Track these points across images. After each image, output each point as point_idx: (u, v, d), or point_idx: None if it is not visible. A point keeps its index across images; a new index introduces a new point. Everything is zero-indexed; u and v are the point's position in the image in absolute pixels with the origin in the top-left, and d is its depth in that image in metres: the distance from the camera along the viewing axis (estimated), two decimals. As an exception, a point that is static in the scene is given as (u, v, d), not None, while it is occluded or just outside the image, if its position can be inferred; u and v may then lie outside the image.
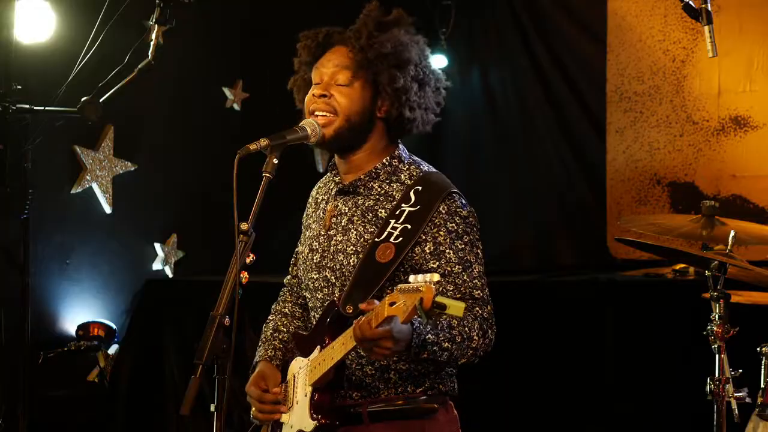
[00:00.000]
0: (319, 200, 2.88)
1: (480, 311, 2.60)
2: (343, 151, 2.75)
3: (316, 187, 2.95)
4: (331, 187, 2.84)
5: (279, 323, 2.92)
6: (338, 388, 2.65)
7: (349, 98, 2.68)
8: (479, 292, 2.62)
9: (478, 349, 2.59)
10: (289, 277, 3.02)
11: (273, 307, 3.00)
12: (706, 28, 2.89)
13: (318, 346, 2.65)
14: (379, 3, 2.78)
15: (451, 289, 2.60)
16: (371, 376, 2.68)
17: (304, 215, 2.95)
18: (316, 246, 2.79)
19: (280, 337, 2.87)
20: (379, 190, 2.72)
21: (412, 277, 2.29)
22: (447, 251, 2.62)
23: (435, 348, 2.50)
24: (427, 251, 2.62)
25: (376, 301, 2.41)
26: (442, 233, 2.63)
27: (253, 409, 2.77)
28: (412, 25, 2.78)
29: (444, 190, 2.68)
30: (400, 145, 2.80)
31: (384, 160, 2.74)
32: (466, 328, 2.56)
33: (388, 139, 2.77)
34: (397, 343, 2.40)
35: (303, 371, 2.69)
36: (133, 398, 5.25)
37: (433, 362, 2.58)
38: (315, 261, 2.77)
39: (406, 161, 2.76)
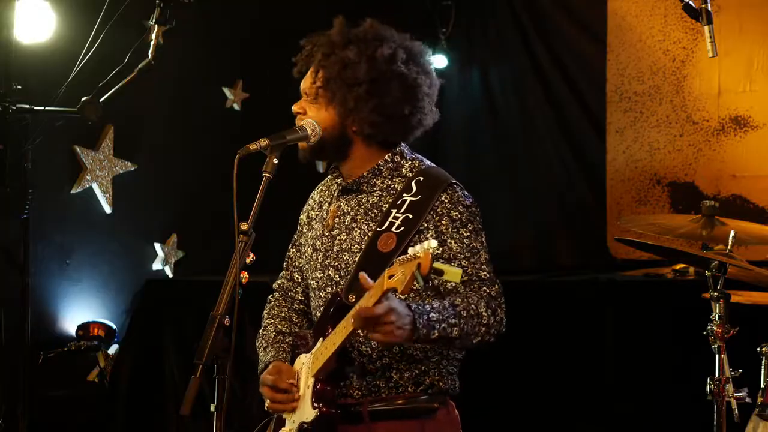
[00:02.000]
0: (322, 202, 2.91)
1: (487, 290, 2.61)
2: (331, 160, 2.83)
3: (317, 189, 2.98)
4: (333, 189, 2.87)
5: (279, 326, 2.91)
6: (340, 378, 2.65)
7: (316, 114, 2.75)
8: (485, 273, 2.63)
9: (490, 327, 2.58)
10: (281, 281, 3.01)
11: (267, 311, 2.98)
12: (706, 28, 2.90)
13: (321, 338, 2.66)
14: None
15: None
16: (372, 375, 2.68)
17: (303, 216, 2.96)
18: (319, 246, 2.81)
19: (287, 340, 2.87)
20: (381, 185, 2.76)
21: (410, 249, 2.30)
22: (449, 240, 2.64)
23: (443, 325, 2.48)
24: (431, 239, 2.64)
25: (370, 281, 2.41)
26: (444, 222, 2.65)
27: (267, 401, 2.76)
28: (390, 29, 2.78)
29: (445, 180, 2.72)
30: (402, 143, 2.83)
31: (386, 157, 2.78)
32: (473, 305, 2.55)
33: (377, 145, 2.79)
34: (399, 317, 2.39)
35: (306, 365, 2.70)
36: (133, 398, 5.25)
37: (446, 341, 2.52)
38: (318, 260, 2.79)
39: (408, 157, 2.81)
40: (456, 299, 2.55)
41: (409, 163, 2.78)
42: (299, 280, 2.96)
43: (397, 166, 2.77)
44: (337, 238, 2.76)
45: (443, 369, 2.73)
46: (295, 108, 2.78)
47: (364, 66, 2.71)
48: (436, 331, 2.47)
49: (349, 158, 2.78)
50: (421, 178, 2.72)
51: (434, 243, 2.26)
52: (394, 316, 2.37)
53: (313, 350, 2.68)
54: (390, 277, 2.32)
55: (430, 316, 2.47)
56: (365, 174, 2.77)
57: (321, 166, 6.10)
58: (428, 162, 2.82)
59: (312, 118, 2.74)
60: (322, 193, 2.94)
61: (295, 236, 2.99)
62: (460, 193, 2.71)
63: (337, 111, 2.73)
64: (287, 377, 2.72)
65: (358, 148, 2.78)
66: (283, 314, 2.95)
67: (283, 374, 2.73)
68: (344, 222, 2.76)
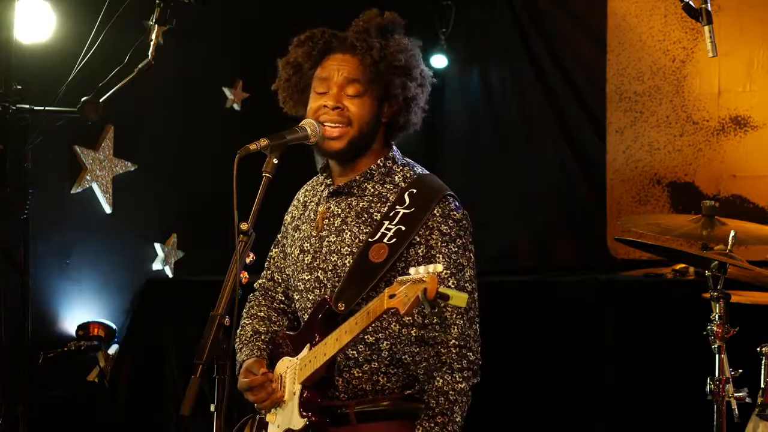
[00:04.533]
0: (307, 203, 2.88)
1: (463, 336, 2.62)
2: (350, 160, 2.75)
3: (302, 190, 2.95)
4: (320, 190, 2.84)
5: (257, 326, 2.88)
6: (328, 386, 2.64)
7: (362, 109, 2.68)
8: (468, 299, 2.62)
9: (468, 390, 2.63)
10: (262, 280, 2.98)
11: (246, 310, 2.95)
12: (706, 28, 2.89)
13: (308, 344, 2.64)
14: (376, 5, 2.79)
15: None
16: (358, 378, 2.67)
17: (288, 216, 2.94)
18: (307, 247, 2.78)
19: (262, 338, 2.85)
20: (372, 191, 2.73)
21: (413, 269, 2.30)
22: (437, 255, 2.63)
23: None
24: (420, 254, 2.63)
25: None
26: (434, 236, 2.64)
27: (255, 404, 2.74)
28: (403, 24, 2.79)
29: (439, 193, 2.69)
30: (394, 147, 2.81)
31: (378, 161, 2.75)
32: (450, 400, 2.60)
33: (384, 140, 2.78)
34: None
35: (291, 370, 2.67)
36: (133, 398, 5.25)
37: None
38: (306, 262, 2.77)
39: (399, 163, 2.78)
40: (437, 418, 2.58)
41: (402, 170, 2.75)
42: (280, 281, 2.93)
43: (389, 172, 2.75)
44: (326, 239, 2.74)
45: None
46: (332, 102, 2.67)
47: (416, 52, 2.72)
48: None
49: (363, 156, 2.74)
50: (415, 191, 2.69)
51: (440, 267, 2.27)
52: None
53: (300, 357, 2.66)
54: (391, 296, 2.32)
55: None
56: (357, 178, 2.74)
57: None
58: (420, 169, 2.79)
59: (354, 112, 2.67)
60: (306, 194, 2.91)
61: (279, 236, 2.97)
62: (452, 205, 2.69)
63: (380, 101, 2.70)
64: (257, 371, 2.71)
65: (375, 141, 2.75)
66: (261, 314, 2.91)
67: (252, 371, 2.72)
68: (334, 224, 2.74)
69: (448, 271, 2.61)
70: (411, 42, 2.74)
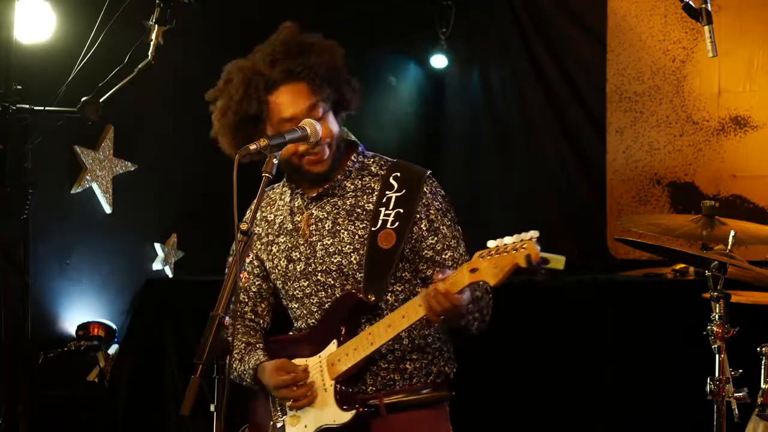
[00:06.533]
0: (272, 219, 2.87)
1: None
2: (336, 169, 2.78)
3: (262, 213, 2.91)
4: (285, 202, 2.85)
5: (244, 339, 2.88)
6: (356, 381, 2.67)
7: (331, 126, 2.73)
8: None
9: (483, 323, 2.70)
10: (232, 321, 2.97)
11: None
12: (706, 28, 2.90)
13: (333, 341, 2.67)
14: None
15: (450, 263, 2.69)
16: (386, 369, 2.71)
17: (257, 236, 2.89)
18: (296, 256, 2.79)
19: (258, 346, 2.86)
20: (353, 187, 2.78)
21: (492, 242, 2.35)
22: (441, 227, 2.73)
23: (469, 317, 2.62)
24: (424, 228, 2.71)
25: (447, 270, 2.48)
26: (432, 211, 2.73)
27: (290, 401, 2.72)
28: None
29: (423, 172, 2.79)
30: (360, 144, 2.87)
31: (353, 158, 2.81)
32: (484, 302, 2.68)
33: (346, 141, 2.84)
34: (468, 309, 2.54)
35: (316, 369, 2.68)
36: (133, 398, 5.25)
37: (462, 330, 2.67)
38: (299, 270, 2.79)
39: (369, 157, 2.84)
40: (477, 292, 2.63)
41: (373, 160, 2.82)
42: (246, 299, 2.90)
43: (363, 166, 2.81)
44: (320, 243, 2.76)
45: (445, 355, 2.78)
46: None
47: (333, 42, 2.79)
48: (463, 321, 2.60)
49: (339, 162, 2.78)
50: (399, 174, 2.77)
51: (536, 233, 2.30)
52: (471, 306, 2.52)
53: (326, 354, 2.68)
54: (472, 270, 2.36)
55: (468, 306, 2.56)
56: (338, 178, 2.77)
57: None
58: (387, 157, 2.85)
59: (327, 134, 2.69)
60: (269, 210, 2.89)
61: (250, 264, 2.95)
62: (436, 183, 2.80)
63: (335, 110, 2.75)
64: (293, 368, 2.70)
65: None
66: (241, 329, 2.90)
67: (286, 368, 2.71)
68: (324, 227, 2.76)
69: (454, 242, 2.72)
70: (320, 37, 2.79)
